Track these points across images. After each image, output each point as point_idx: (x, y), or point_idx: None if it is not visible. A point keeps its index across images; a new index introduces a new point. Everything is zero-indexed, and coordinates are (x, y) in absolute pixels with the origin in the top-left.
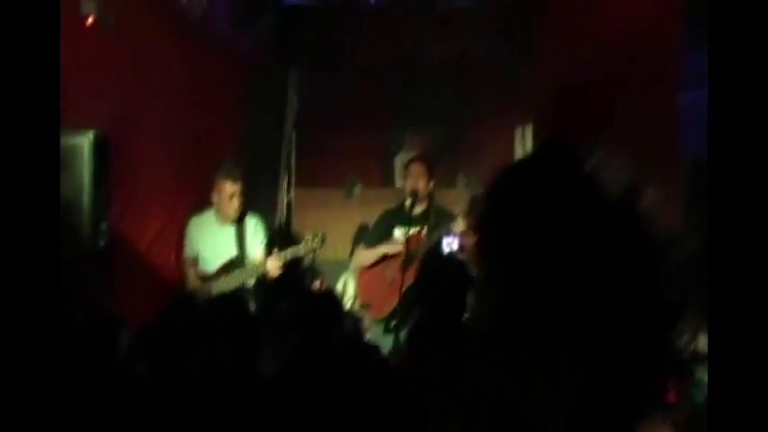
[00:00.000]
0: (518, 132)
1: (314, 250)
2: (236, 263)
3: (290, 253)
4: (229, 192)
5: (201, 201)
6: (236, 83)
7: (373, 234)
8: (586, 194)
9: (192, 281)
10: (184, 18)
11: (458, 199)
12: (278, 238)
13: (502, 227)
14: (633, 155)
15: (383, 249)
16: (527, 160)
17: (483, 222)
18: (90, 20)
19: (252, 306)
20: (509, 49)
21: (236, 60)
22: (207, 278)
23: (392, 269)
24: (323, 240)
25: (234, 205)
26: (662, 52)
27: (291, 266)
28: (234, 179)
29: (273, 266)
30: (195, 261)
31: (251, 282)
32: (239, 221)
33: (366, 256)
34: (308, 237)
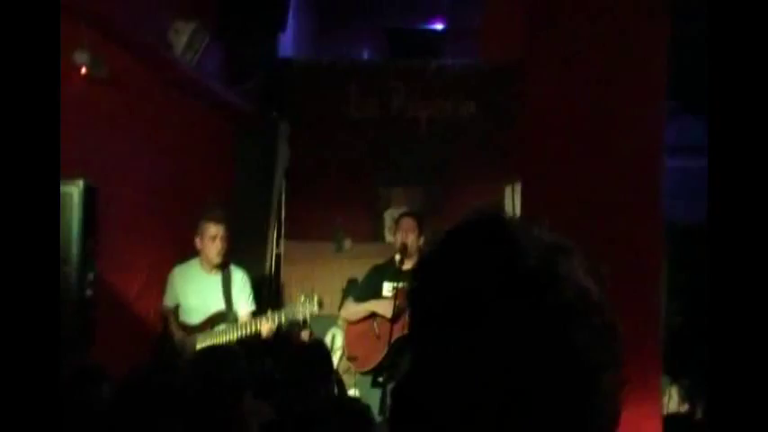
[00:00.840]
0: (508, 190)
1: (309, 314)
2: (222, 317)
3: (284, 315)
4: (212, 233)
5: (190, 252)
6: (227, 134)
7: (362, 289)
8: (507, 258)
9: (173, 331)
10: (176, 70)
11: None
12: (267, 293)
13: (424, 297)
14: (615, 219)
15: (372, 307)
16: (451, 231)
17: (409, 297)
18: (83, 70)
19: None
20: (497, 110)
21: (226, 112)
22: (189, 329)
23: (380, 323)
24: (320, 305)
25: (216, 247)
26: (645, 116)
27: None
28: (216, 221)
29: (267, 329)
30: (174, 310)
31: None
32: (224, 271)
33: (354, 310)
34: (302, 298)
